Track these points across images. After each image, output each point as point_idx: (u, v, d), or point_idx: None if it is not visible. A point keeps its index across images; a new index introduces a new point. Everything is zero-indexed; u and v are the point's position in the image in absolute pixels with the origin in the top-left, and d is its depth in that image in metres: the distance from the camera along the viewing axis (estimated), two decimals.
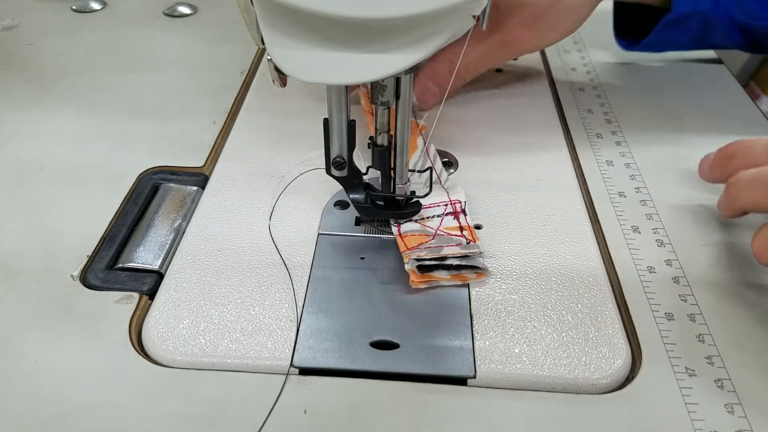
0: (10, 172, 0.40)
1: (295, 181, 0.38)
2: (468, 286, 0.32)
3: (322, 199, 0.37)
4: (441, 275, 0.32)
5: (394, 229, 0.33)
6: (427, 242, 0.32)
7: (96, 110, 0.46)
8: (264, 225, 0.35)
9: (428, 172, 0.36)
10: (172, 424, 0.26)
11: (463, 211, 0.34)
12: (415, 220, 0.34)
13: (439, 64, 0.42)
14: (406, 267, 0.32)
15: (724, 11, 0.46)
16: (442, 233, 0.33)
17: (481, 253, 0.32)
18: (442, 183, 0.37)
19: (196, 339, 0.29)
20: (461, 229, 0.33)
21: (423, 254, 0.31)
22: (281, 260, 0.33)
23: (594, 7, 0.43)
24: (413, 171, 0.35)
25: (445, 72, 0.42)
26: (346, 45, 0.25)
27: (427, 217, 0.34)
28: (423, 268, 0.32)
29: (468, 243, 0.32)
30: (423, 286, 0.32)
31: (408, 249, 0.32)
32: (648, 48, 0.49)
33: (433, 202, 0.35)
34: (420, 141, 0.40)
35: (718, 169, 0.36)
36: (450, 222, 0.33)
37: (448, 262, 0.31)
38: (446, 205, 0.34)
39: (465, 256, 0.31)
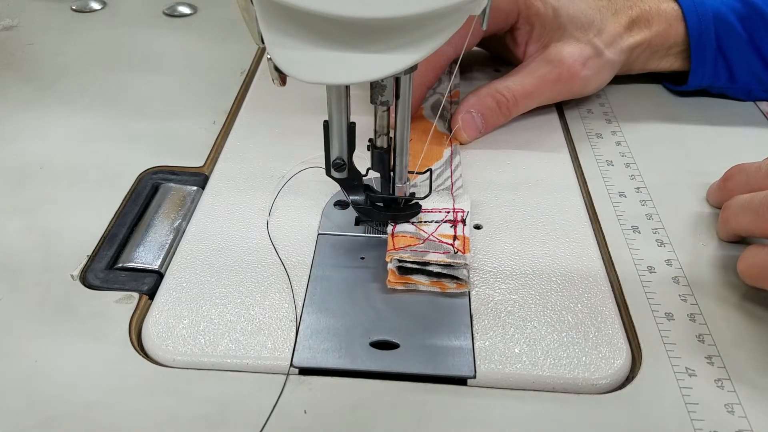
0: (10, 172, 0.40)
1: (295, 181, 0.38)
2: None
3: (322, 199, 0.37)
4: (420, 279, 0.31)
5: (389, 228, 0.33)
6: (415, 245, 0.32)
7: (96, 110, 0.46)
8: (264, 225, 0.35)
9: (427, 173, 0.36)
10: (172, 424, 0.26)
11: (463, 221, 0.34)
12: (412, 222, 0.34)
13: (486, 97, 0.43)
14: (388, 266, 0.32)
15: (742, 85, 0.47)
16: (434, 239, 0.32)
17: (466, 264, 0.31)
18: (453, 191, 0.37)
19: (196, 339, 0.29)
20: (455, 238, 0.33)
21: (406, 256, 0.31)
22: (280, 260, 0.33)
23: (616, 72, 0.46)
24: (412, 172, 0.35)
25: (491, 104, 0.43)
26: (346, 45, 0.25)
27: (425, 222, 0.34)
28: (404, 270, 0.32)
29: (456, 253, 0.32)
30: (399, 287, 0.32)
31: (394, 248, 0.32)
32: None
33: (436, 207, 0.35)
34: (446, 152, 0.40)
35: (719, 192, 0.37)
36: (446, 230, 0.33)
37: (430, 268, 0.31)
38: (448, 212, 0.34)
39: (448, 266, 0.31)
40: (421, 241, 0.32)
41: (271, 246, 0.34)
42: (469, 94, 0.43)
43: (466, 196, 0.36)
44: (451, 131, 0.42)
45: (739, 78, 0.46)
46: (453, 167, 0.39)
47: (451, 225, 0.33)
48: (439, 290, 0.32)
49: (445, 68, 0.45)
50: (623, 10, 0.45)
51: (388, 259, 0.32)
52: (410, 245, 0.32)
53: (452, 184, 0.37)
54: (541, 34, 0.44)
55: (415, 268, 0.31)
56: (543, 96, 0.44)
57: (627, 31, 0.45)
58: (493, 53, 0.53)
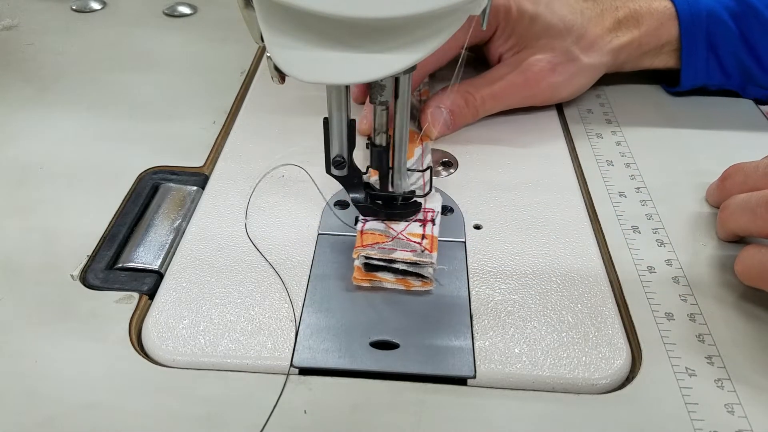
0: (10, 172, 0.40)
1: (295, 182, 0.38)
2: (468, 285, 0.32)
3: (322, 199, 0.37)
4: (385, 277, 0.32)
5: (359, 225, 0.34)
6: (383, 243, 0.32)
7: (96, 110, 0.46)
8: (265, 225, 0.36)
9: (428, 172, 0.36)
10: (172, 424, 0.26)
11: (432, 221, 0.34)
12: (382, 220, 0.34)
13: (457, 96, 0.43)
14: (354, 263, 0.32)
15: (736, 83, 0.47)
16: (402, 238, 0.33)
17: (432, 263, 0.31)
18: (425, 191, 0.37)
19: (196, 339, 0.29)
20: (423, 237, 0.33)
21: (373, 253, 0.31)
22: (279, 260, 0.33)
23: (602, 73, 0.46)
24: (412, 171, 0.35)
25: (460, 102, 0.43)
26: (345, 45, 0.25)
27: (395, 220, 0.34)
28: (370, 267, 0.32)
29: (423, 251, 0.32)
30: (365, 284, 0.32)
31: (362, 245, 0.32)
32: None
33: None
34: (417, 150, 0.40)
35: (717, 192, 0.37)
36: (415, 228, 0.33)
37: (396, 265, 0.31)
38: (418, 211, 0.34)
39: (414, 263, 0.31)
40: (389, 239, 0.32)
41: (272, 246, 0.34)
42: (439, 90, 0.44)
43: (437, 195, 0.36)
44: (421, 129, 0.42)
45: (733, 76, 0.46)
46: (424, 167, 0.39)
47: (420, 224, 0.34)
48: (403, 288, 0.32)
49: (419, 83, 0.46)
50: (609, 11, 0.45)
51: (355, 256, 0.32)
52: (378, 242, 0.32)
53: (424, 184, 0.37)
54: (517, 42, 0.45)
55: (382, 266, 0.32)
56: (510, 99, 0.44)
57: (612, 33, 0.45)
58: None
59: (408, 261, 0.31)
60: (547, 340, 0.30)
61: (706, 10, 0.45)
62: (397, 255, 0.31)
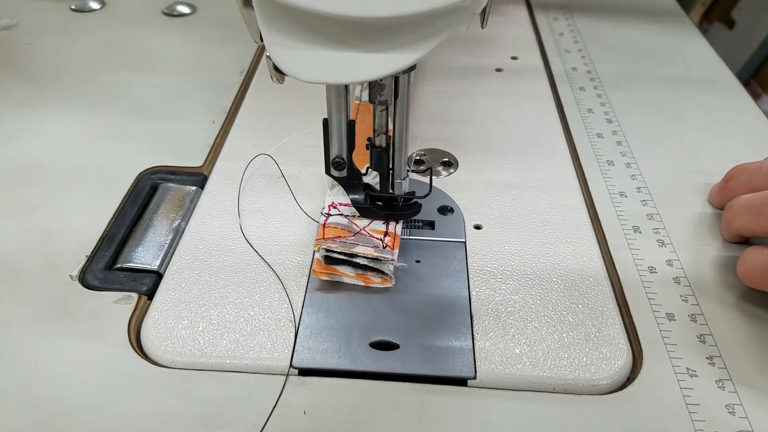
0: (10, 172, 0.40)
1: (296, 181, 0.38)
2: (468, 286, 0.32)
3: (322, 199, 0.37)
4: (345, 271, 0.31)
5: (322, 219, 0.33)
6: (344, 237, 0.32)
7: (95, 110, 0.46)
8: (265, 225, 0.35)
9: (429, 173, 0.36)
10: (171, 424, 0.26)
11: (396, 219, 0.34)
12: (346, 216, 0.34)
13: None
14: (315, 255, 0.32)
15: None
16: (365, 233, 0.33)
17: (393, 260, 0.31)
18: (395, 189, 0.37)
19: (195, 339, 0.29)
20: (386, 234, 0.33)
21: (334, 246, 0.31)
22: (279, 260, 0.33)
23: None
24: (410, 171, 0.35)
25: None
26: (345, 44, 0.25)
27: (359, 216, 0.34)
28: (330, 260, 0.32)
29: (384, 248, 0.32)
30: (324, 277, 0.32)
31: (323, 238, 0.32)
32: None
33: None
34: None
35: (721, 193, 0.37)
36: (378, 225, 0.33)
37: (356, 260, 0.31)
38: None
39: (375, 259, 0.31)
40: (352, 234, 0.32)
41: (272, 247, 0.34)
42: None
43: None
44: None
45: None
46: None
47: (383, 222, 0.33)
48: (362, 283, 0.32)
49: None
50: None
51: (315, 248, 0.32)
52: (340, 236, 0.32)
53: (392, 183, 0.37)
54: None
55: (342, 259, 0.31)
56: None
57: None
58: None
59: (369, 256, 0.31)
60: (547, 340, 0.29)
61: None
62: (359, 250, 0.31)
